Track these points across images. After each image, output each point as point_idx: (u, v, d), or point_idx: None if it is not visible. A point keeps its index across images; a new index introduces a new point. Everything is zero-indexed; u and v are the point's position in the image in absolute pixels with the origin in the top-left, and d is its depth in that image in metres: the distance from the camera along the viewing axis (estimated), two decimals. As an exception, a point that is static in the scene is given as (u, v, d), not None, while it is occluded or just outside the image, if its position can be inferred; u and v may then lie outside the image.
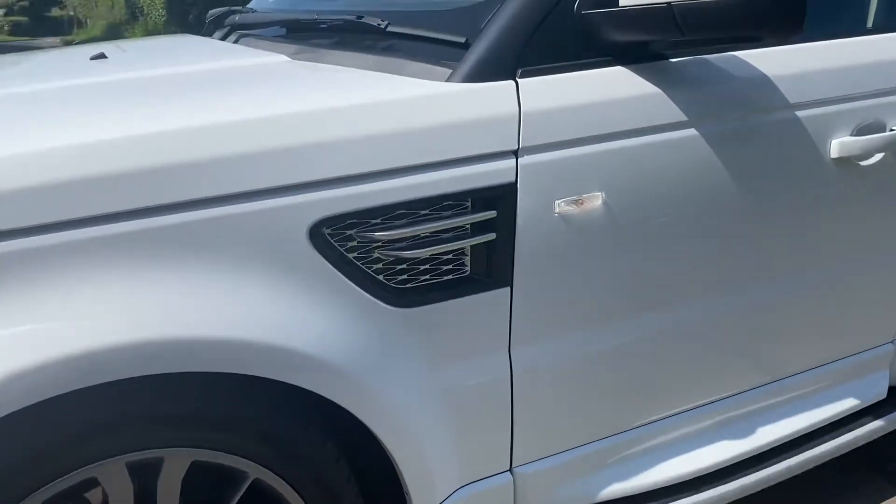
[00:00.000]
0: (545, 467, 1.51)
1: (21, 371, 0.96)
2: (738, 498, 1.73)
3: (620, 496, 1.61)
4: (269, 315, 1.13)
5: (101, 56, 1.71)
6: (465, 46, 1.34)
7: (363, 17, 1.53)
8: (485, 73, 1.30)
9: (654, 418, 1.61)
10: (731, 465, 1.73)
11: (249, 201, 1.12)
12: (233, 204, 1.11)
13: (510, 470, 1.48)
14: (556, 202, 1.33)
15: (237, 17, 2.04)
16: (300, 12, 1.94)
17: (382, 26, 1.49)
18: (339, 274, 1.19)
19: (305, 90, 1.33)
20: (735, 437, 1.74)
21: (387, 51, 1.48)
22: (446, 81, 1.30)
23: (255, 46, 1.83)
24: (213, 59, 1.73)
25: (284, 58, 1.60)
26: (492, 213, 1.28)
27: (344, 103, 1.22)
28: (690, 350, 1.61)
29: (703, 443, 1.70)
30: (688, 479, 1.67)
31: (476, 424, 1.40)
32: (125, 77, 1.50)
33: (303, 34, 1.79)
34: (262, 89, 1.36)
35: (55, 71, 1.77)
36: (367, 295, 1.22)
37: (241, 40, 1.98)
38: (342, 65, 1.49)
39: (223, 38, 2.12)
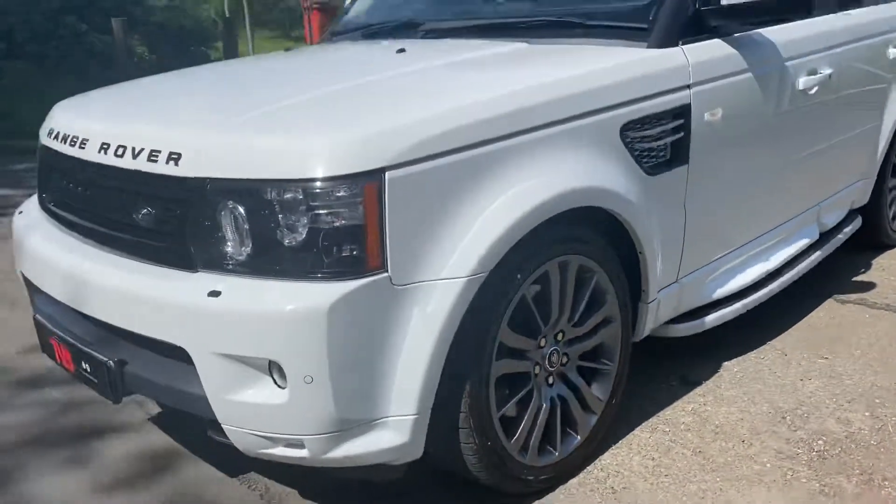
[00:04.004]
0: (692, 279, 2.56)
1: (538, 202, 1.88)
2: (759, 303, 2.86)
3: (719, 297, 2.70)
4: (606, 176, 2.10)
5: (402, 50, 2.52)
6: (646, 30, 2.35)
7: (563, 16, 2.50)
8: (663, 43, 2.33)
9: (743, 242, 2.73)
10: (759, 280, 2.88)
11: (590, 117, 2.07)
12: (583, 119, 2.06)
13: (677, 280, 2.51)
14: (705, 114, 2.38)
15: (423, 24, 2.85)
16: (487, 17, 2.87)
17: (580, 21, 2.46)
18: (627, 153, 2.17)
19: (573, 58, 2.28)
20: (767, 259, 2.90)
21: (586, 35, 2.44)
22: (647, 48, 2.31)
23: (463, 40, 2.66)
24: (475, 49, 2.50)
25: (524, 45, 2.49)
26: (681, 121, 2.30)
27: (609, 63, 2.20)
28: (770, 196, 2.81)
29: (753, 262, 2.84)
30: (748, 285, 2.79)
31: (670, 250, 2.41)
32: (444, 62, 2.37)
33: (497, 31, 2.67)
34: (544, 63, 2.30)
35: (382, 62, 2.55)
36: (638, 167, 2.20)
37: (436, 38, 2.77)
38: (567, 46, 2.43)
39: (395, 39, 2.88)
